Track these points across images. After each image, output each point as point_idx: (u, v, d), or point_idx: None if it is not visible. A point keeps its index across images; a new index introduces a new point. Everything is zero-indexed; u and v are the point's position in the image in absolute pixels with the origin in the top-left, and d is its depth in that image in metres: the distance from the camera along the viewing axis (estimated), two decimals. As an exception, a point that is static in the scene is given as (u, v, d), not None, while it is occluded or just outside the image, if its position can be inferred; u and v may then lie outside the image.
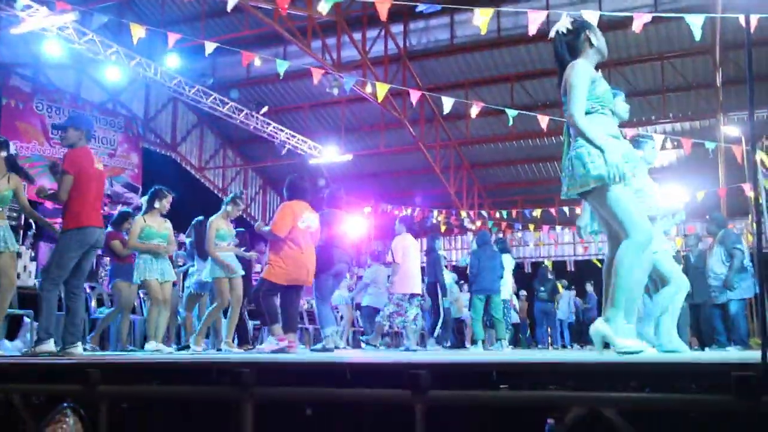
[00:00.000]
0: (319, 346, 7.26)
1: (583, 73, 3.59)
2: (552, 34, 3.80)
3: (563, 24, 3.77)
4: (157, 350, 6.73)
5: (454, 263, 17.66)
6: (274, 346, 6.20)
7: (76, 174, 5.36)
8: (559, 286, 15.66)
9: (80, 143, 5.55)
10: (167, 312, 7.34)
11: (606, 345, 3.52)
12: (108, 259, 8.89)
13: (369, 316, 10.53)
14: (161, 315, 7.14)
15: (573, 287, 16.80)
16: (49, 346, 5.23)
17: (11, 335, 7.18)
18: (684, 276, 5.08)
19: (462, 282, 13.49)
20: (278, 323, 6.43)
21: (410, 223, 9.20)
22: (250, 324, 9.70)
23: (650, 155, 5.14)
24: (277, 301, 6.53)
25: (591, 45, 3.72)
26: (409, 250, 8.76)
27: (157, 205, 7.20)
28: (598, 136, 3.49)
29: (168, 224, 7.29)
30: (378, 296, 10.57)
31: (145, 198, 7.41)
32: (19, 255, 8.00)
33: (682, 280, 5.00)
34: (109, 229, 8.38)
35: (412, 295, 8.84)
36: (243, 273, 7.58)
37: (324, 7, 8.55)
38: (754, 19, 7.36)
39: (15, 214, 8.23)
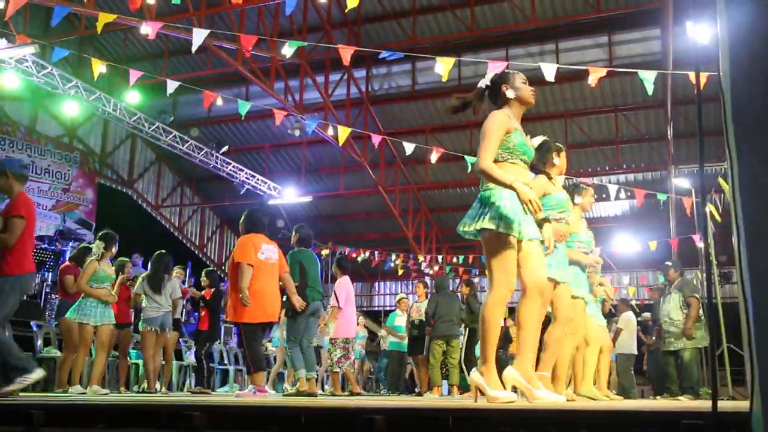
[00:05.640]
0: (293, 389, 7.15)
1: (494, 123, 3.76)
2: (481, 85, 3.91)
3: (486, 79, 3.91)
4: (82, 393, 6.45)
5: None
6: (251, 395, 5.90)
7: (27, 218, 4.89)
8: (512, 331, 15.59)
9: (17, 188, 4.98)
10: (104, 354, 7.15)
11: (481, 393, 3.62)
12: (55, 296, 8.64)
13: None
14: (98, 357, 6.97)
15: None
16: None
17: None
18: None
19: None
20: (263, 371, 6.25)
21: (347, 264, 9.01)
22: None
23: (587, 202, 5.45)
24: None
25: (507, 98, 3.82)
26: (351, 293, 8.63)
27: (113, 249, 7.23)
28: (506, 177, 3.66)
29: (113, 269, 7.29)
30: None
31: (100, 243, 7.24)
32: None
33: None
34: (67, 262, 8.26)
35: (348, 339, 8.68)
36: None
37: (288, 51, 8.64)
38: (703, 76, 7.65)
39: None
